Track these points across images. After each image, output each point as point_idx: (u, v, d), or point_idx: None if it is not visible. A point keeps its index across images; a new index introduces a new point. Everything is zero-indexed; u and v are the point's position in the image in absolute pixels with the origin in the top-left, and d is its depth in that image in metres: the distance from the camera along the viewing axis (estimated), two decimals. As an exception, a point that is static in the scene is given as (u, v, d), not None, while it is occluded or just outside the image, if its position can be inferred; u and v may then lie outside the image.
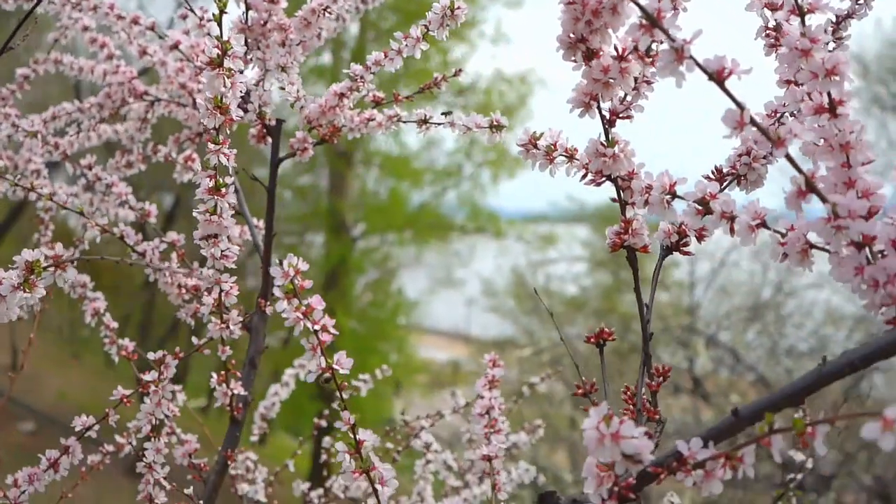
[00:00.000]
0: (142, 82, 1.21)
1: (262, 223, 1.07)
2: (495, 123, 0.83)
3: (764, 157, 0.67)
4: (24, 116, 1.16)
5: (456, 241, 12.20)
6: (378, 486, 0.63)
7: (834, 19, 0.73)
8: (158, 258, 0.99)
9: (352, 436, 0.64)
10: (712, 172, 0.69)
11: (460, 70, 1.00)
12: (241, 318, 0.90)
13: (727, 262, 6.65)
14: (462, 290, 12.43)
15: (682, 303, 7.47)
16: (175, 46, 1.02)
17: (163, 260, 1.00)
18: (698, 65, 0.50)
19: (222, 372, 0.94)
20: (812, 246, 0.54)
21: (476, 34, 11.16)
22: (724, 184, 0.68)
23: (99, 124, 1.26)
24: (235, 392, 0.95)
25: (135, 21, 1.07)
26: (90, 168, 1.10)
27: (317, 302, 0.62)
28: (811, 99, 0.54)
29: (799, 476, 1.09)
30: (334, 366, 0.62)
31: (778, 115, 0.68)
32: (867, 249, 0.51)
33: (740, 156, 0.68)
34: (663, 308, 8.11)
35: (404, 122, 0.96)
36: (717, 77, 0.50)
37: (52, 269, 0.67)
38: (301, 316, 0.61)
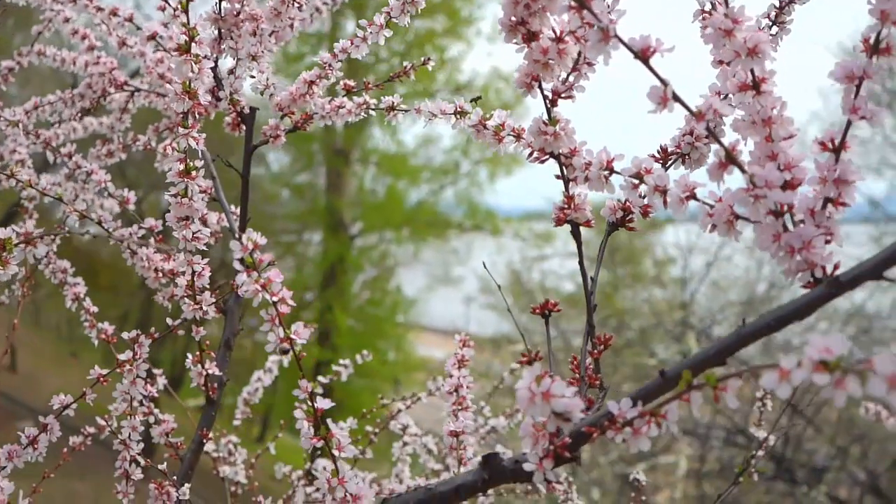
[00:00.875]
0: (124, 75, 1.23)
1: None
2: (459, 110, 0.86)
3: (706, 137, 0.70)
4: (8, 108, 1.19)
5: (453, 238, 12.23)
6: (335, 452, 0.66)
7: (778, 4, 0.77)
8: (136, 244, 1.02)
9: (310, 403, 0.67)
10: (657, 151, 0.71)
11: (429, 59, 1.03)
12: (213, 300, 0.92)
13: (720, 256, 6.68)
14: (460, 288, 12.45)
15: (677, 300, 7.51)
16: (152, 37, 1.05)
17: (140, 246, 1.03)
18: (624, 44, 0.53)
19: (197, 353, 0.97)
20: (738, 217, 0.57)
21: (473, 32, 11.19)
22: (669, 162, 0.71)
23: (83, 116, 1.29)
24: (210, 372, 0.98)
25: (113, 13, 1.10)
26: (70, 157, 1.13)
27: (275, 275, 0.65)
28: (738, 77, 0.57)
29: (760, 453, 1.12)
30: (292, 336, 0.65)
31: (722, 95, 0.71)
32: (785, 218, 0.54)
33: (684, 135, 0.71)
34: (659, 304, 8.15)
35: (373, 109, 0.99)
36: (643, 55, 0.53)
37: (22, 245, 0.70)
38: (260, 288, 0.64)
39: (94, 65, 1.21)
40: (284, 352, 0.65)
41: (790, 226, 0.55)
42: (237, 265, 0.63)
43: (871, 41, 0.54)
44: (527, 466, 0.56)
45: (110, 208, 1.34)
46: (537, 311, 0.69)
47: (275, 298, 0.64)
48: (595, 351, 0.65)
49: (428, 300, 12.52)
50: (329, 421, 0.67)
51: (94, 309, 1.12)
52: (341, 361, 1.43)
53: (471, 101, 0.80)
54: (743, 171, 0.54)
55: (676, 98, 0.53)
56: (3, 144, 1.27)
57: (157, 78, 1.16)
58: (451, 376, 0.98)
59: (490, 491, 0.82)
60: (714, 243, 6.72)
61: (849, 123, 0.54)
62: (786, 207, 0.53)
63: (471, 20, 11.04)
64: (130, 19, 1.11)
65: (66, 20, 1.21)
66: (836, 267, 0.52)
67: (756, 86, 0.56)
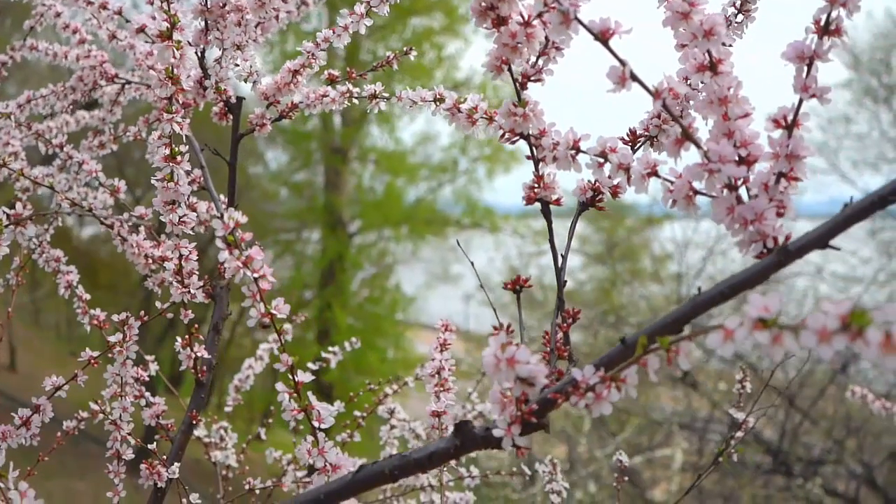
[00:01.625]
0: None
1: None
2: (438, 97, 0.88)
3: (672, 119, 0.72)
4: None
5: (452, 236, 12.24)
6: (315, 423, 0.69)
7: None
8: (127, 231, 1.04)
9: (291, 377, 0.69)
10: (626, 134, 0.74)
11: (411, 48, 1.05)
12: (201, 284, 0.95)
13: (715, 251, 6.71)
14: (459, 285, 12.47)
15: (675, 296, 7.54)
16: (141, 30, 1.07)
17: (131, 233, 1.06)
18: (584, 26, 0.55)
19: (186, 336, 0.99)
20: (696, 192, 0.59)
21: (471, 30, 11.22)
22: (638, 144, 0.73)
23: (76, 110, 1.32)
24: (199, 355, 1.00)
25: (103, 6, 1.12)
26: (62, 147, 1.15)
27: (256, 252, 0.67)
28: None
29: (740, 434, 1.14)
30: (273, 311, 0.67)
31: (688, 80, 0.73)
32: (741, 192, 0.56)
33: (652, 118, 0.73)
34: (656, 300, 8.17)
35: (356, 97, 1.01)
36: (602, 37, 0.55)
37: (12, 226, 0.72)
38: (241, 265, 0.66)
39: (86, 58, 1.23)
40: (265, 326, 0.67)
41: (746, 199, 0.57)
42: (220, 243, 0.66)
43: (822, 23, 0.56)
44: (496, 432, 0.59)
45: (103, 201, 1.36)
46: (509, 286, 0.71)
47: (256, 275, 0.67)
48: (564, 324, 0.67)
49: (427, 298, 12.56)
50: (310, 394, 0.70)
51: (87, 296, 1.14)
52: (331, 349, 1.45)
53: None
54: (699, 146, 0.56)
55: (634, 77, 0.55)
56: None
57: (147, 70, 1.19)
58: (433, 359, 1.00)
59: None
60: (710, 238, 6.75)
61: (800, 102, 0.57)
62: (739, 181, 0.56)
63: (468, 18, 11.05)
64: (120, 12, 1.14)
65: (58, 14, 1.23)
66: (787, 238, 0.55)
67: (713, 66, 0.58)
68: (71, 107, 1.23)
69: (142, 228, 1.07)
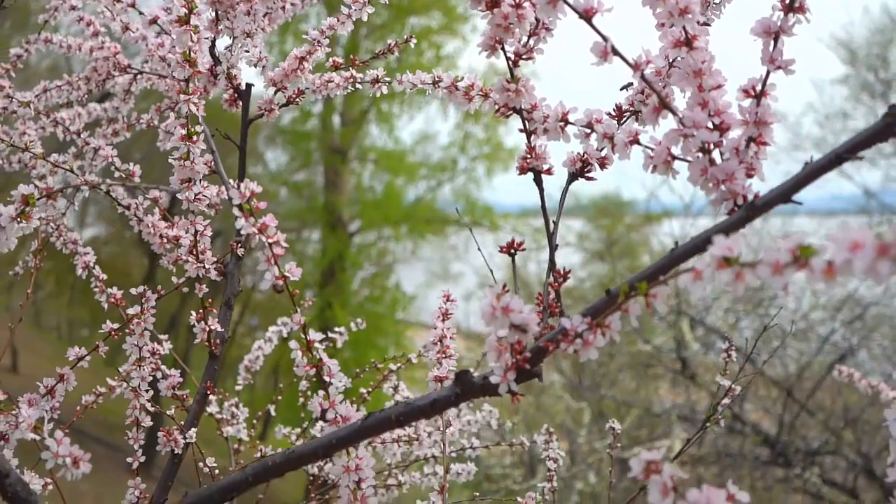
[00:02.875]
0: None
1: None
2: (437, 78, 0.93)
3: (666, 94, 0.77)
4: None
5: (451, 235, 12.30)
6: (326, 378, 0.74)
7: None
8: (142, 212, 1.10)
9: (303, 335, 0.75)
10: (613, 109, 0.79)
11: (411, 37, 1.11)
12: (215, 259, 1.00)
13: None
14: (459, 284, 12.51)
15: (676, 299, 7.61)
16: (154, 21, 1.13)
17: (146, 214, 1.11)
18: (569, 5, 0.61)
19: (200, 310, 1.05)
20: (674, 157, 0.65)
21: (469, 29, 11.28)
22: (623, 118, 0.79)
23: (89, 101, 1.37)
24: (213, 329, 1.06)
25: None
26: (79, 134, 1.20)
27: (270, 220, 0.72)
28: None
29: (727, 401, 1.19)
30: (286, 273, 0.73)
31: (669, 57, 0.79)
32: (712, 155, 0.62)
33: (636, 94, 0.79)
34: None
35: (359, 83, 1.07)
36: (586, 15, 0.61)
37: (44, 199, 0.78)
38: (257, 231, 0.72)
39: (99, 49, 1.29)
40: (278, 289, 0.73)
41: (719, 162, 0.63)
42: (236, 211, 0.71)
43: (787, 1, 0.62)
44: (493, 379, 0.64)
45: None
46: (503, 250, 0.76)
47: (270, 240, 0.72)
48: (556, 283, 0.72)
49: (427, 297, 12.61)
50: (321, 350, 0.75)
51: (104, 276, 1.20)
52: (336, 329, 1.51)
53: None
54: (675, 114, 0.61)
55: (615, 52, 0.61)
56: (14, 128, 1.35)
57: (159, 60, 1.24)
58: (435, 328, 1.05)
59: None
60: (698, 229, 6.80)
61: (768, 73, 0.62)
62: (712, 145, 0.61)
63: (466, 17, 11.12)
64: (133, 5, 1.19)
65: (73, 8, 1.29)
66: (756, 196, 0.60)
67: (688, 42, 0.64)
68: (85, 97, 1.28)
69: (156, 210, 1.12)
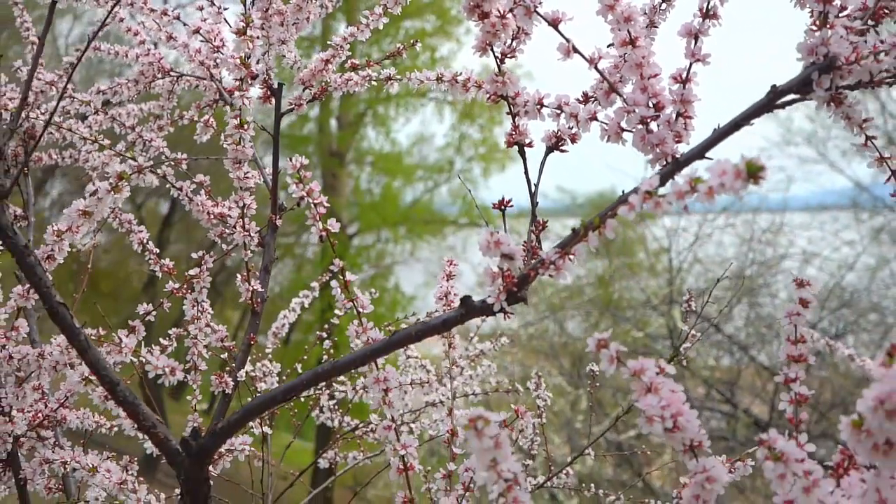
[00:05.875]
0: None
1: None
2: (440, 76, 1.14)
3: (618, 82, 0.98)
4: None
5: (450, 235, 12.50)
6: (360, 309, 0.95)
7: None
8: (192, 192, 1.31)
9: (342, 277, 0.95)
10: (581, 96, 1.00)
11: (416, 41, 1.32)
12: (259, 229, 1.21)
13: (701, 234, 7.00)
14: (458, 284, 12.64)
15: (669, 287, 7.83)
16: (196, 31, 1.34)
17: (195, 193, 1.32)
18: (541, 16, 0.81)
19: (244, 273, 1.25)
20: (622, 129, 0.86)
21: (463, 31, 11.50)
22: (589, 102, 1.00)
23: (132, 104, 1.58)
24: (255, 289, 1.26)
25: (164, 13, 1.39)
26: (133, 128, 1.41)
27: (315, 185, 0.93)
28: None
29: (687, 344, 1.39)
30: (328, 227, 0.94)
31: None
32: (650, 126, 0.83)
33: (596, 83, 1.00)
34: (652, 290, 8.46)
35: (374, 80, 1.28)
36: (553, 23, 0.82)
37: (135, 174, 0.98)
38: (305, 194, 0.93)
39: (145, 56, 1.49)
40: (322, 239, 0.94)
41: (655, 131, 0.83)
42: (289, 179, 0.92)
43: (704, 9, 0.83)
44: (489, 300, 0.85)
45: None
46: (495, 206, 0.97)
47: (316, 201, 0.93)
48: (536, 230, 0.93)
49: (426, 297, 12.77)
50: (355, 287, 0.96)
51: (156, 250, 1.40)
52: (338, 312, 1.71)
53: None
54: (620, 95, 0.82)
55: (575, 50, 0.82)
56: (85, 122, 1.55)
57: (198, 65, 1.45)
58: (440, 286, 1.26)
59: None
60: (695, 223, 7.03)
61: (690, 64, 0.83)
62: (649, 119, 0.82)
63: (460, 19, 11.34)
64: (178, 17, 1.40)
65: (122, 20, 1.49)
66: (679, 155, 0.81)
67: (632, 42, 0.85)
68: (134, 97, 1.49)
69: (202, 191, 1.33)
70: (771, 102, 0.76)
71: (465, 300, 0.88)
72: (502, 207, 0.96)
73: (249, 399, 1.77)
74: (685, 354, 1.39)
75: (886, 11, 0.79)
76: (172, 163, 1.38)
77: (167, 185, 1.36)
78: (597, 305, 8.17)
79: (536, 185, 0.96)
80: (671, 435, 0.69)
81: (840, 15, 0.79)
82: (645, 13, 0.96)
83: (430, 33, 11.72)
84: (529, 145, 0.95)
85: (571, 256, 0.80)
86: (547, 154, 0.99)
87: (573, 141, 0.97)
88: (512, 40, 0.92)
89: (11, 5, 1.76)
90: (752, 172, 0.59)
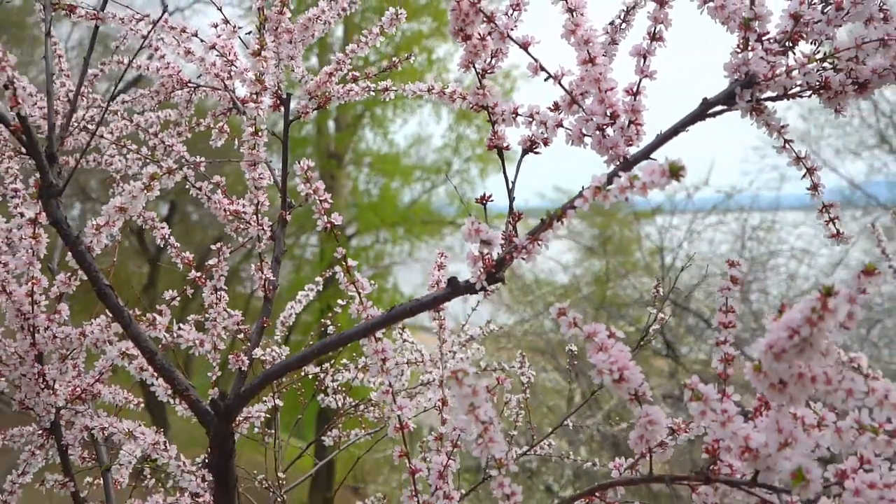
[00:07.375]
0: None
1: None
2: (430, 87, 1.30)
3: (581, 95, 1.14)
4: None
5: (448, 235, 12.64)
6: (361, 291, 1.11)
7: (625, 9, 1.20)
8: (210, 191, 1.46)
9: (345, 263, 1.11)
10: (552, 104, 1.16)
11: (411, 54, 1.47)
12: (271, 223, 1.36)
13: (692, 229, 7.16)
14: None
15: (665, 288, 7.99)
16: (213, 47, 1.49)
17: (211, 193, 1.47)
18: (513, 40, 0.97)
19: (258, 263, 1.41)
20: (584, 134, 1.01)
21: (458, 34, 11.63)
22: (559, 111, 1.15)
23: (152, 112, 1.73)
24: (268, 277, 1.42)
25: (183, 30, 1.54)
26: (156, 134, 1.56)
27: (320, 184, 1.09)
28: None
29: (656, 327, 1.54)
30: (331, 220, 1.09)
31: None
32: (606, 131, 0.98)
33: (562, 96, 1.15)
34: (646, 287, 8.61)
35: (373, 91, 1.43)
36: (523, 46, 0.97)
37: (166, 175, 1.13)
38: (311, 192, 1.08)
39: (165, 69, 1.65)
40: (326, 229, 1.09)
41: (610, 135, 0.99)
42: (298, 179, 1.07)
43: (651, 32, 0.98)
44: (472, 280, 1.00)
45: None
46: (479, 201, 1.13)
47: (321, 198, 1.08)
48: (513, 220, 1.08)
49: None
50: (354, 271, 1.11)
51: (178, 245, 1.55)
52: (340, 301, 1.86)
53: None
54: (580, 106, 0.98)
55: (542, 68, 0.97)
56: (107, 126, 1.71)
57: (213, 77, 1.60)
58: (432, 275, 1.41)
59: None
60: (686, 221, 7.19)
61: (640, 80, 0.98)
62: (605, 126, 0.97)
63: (456, 22, 11.47)
64: (196, 34, 1.55)
65: (143, 37, 1.64)
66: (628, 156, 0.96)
67: (591, 60, 1.00)
68: (156, 105, 1.64)
69: (219, 190, 1.48)
70: (703, 112, 0.91)
71: (452, 281, 1.03)
72: (484, 202, 1.11)
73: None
74: (654, 336, 1.54)
75: (802, 35, 0.95)
76: (192, 166, 1.54)
77: (168, 188, 1.51)
78: (592, 303, 8.33)
79: (513, 182, 1.12)
80: (618, 385, 0.84)
81: (764, 38, 0.94)
82: (607, 32, 1.12)
83: (426, 35, 11.87)
84: (507, 148, 1.11)
85: (540, 242, 0.95)
86: (522, 156, 1.14)
87: (545, 144, 1.13)
88: (491, 58, 1.07)
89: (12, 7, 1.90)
90: (675, 172, 0.75)
